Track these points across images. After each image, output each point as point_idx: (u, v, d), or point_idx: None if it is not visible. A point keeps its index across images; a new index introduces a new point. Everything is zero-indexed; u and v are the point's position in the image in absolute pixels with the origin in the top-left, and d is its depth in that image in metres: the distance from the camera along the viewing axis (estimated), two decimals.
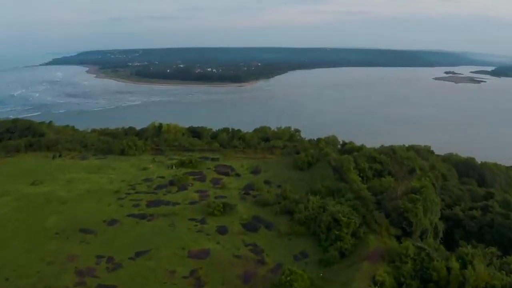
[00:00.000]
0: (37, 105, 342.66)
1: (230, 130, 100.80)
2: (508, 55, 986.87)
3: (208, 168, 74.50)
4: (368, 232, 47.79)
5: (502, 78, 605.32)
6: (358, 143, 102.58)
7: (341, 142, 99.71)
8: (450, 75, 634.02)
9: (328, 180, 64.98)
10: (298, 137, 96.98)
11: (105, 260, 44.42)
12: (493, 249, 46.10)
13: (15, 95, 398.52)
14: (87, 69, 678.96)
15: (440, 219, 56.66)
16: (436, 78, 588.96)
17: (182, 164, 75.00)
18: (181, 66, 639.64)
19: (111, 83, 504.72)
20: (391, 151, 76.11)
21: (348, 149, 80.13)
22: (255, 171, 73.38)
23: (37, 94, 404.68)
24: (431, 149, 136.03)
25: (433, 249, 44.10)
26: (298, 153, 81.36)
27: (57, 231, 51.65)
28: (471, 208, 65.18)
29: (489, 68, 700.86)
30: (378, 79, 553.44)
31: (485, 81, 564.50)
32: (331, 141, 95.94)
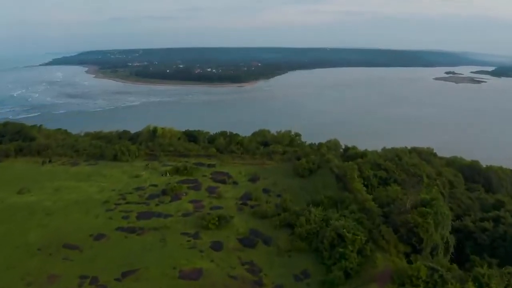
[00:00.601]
0: (36, 105, 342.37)
1: (228, 134, 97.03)
2: (508, 55, 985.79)
3: (204, 176, 70.68)
4: (375, 249, 43.97)
5: (503, 78, 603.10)
6: (359, 143, 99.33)
7: (343, 147, 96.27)
8: (451, 75, 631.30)
9: (331, 189, 61.27)
10: (298, 142, 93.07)
11: (88, 281, 40.65)
12: (510, 268, 42.48)
13: (14, 95, 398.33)
14: (86, 69, 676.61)
15: (450, 232, 53.09)
16: (437, 78, 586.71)
17: (176, 171, 71.13)
18: (181, 66, 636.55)
19: (110, 84, 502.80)
20: (396, 157, 72.37)
21: (351, 155, 76.32)
22: (253, 179, 69.56)
23: (37, 95, 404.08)
24: (434, 151, 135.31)
25: (446, 269, 40.40)
26: (298, 159, 77.68)
27: (40, 246, 47.95)
28: (482, 219, 61.55)
29: (489, 68, 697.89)
30: (378, 79, 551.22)
31: (485, 81, 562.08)
32: (333, 145, 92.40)
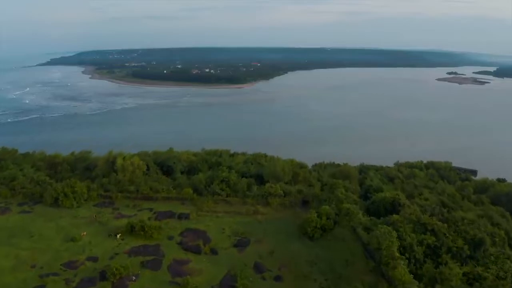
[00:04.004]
0: (29, 108, 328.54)
1: (214, 160, 75.99)
2: (509, 55, 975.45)
3: (170, 238, 49.33)
4: None
5: (506, 79, 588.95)
6: (363, 149, 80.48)
7: (360, 165, 75.32)
8: (453, 75, 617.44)
9: (357, 270, 40.18)
10: (304, 175, 70.34)
11: None
12: None
13: (10, 97, 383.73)
14: (83, 69, 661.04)
15: None
16: (439, 79, 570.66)
17: (131, 230, 49.76)
18: (179, 66, 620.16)
19: (106, 85, 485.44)
20: (445, 209, 51.06)
21: (379, 201, 54.73)
22: (241, 243, 48.29)
23: (33, 96, 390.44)
24: (452, 164, 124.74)
25: None
26: (305, 202, 56.90)
27: None
28: None
29: (491, 69, 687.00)
30: (380, 80, 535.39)
31: (489, 82, 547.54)
32: (347, 172, 71.02)
